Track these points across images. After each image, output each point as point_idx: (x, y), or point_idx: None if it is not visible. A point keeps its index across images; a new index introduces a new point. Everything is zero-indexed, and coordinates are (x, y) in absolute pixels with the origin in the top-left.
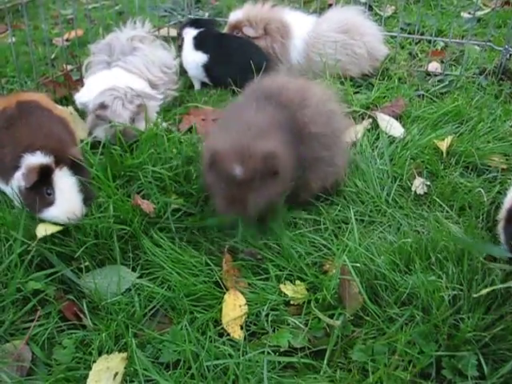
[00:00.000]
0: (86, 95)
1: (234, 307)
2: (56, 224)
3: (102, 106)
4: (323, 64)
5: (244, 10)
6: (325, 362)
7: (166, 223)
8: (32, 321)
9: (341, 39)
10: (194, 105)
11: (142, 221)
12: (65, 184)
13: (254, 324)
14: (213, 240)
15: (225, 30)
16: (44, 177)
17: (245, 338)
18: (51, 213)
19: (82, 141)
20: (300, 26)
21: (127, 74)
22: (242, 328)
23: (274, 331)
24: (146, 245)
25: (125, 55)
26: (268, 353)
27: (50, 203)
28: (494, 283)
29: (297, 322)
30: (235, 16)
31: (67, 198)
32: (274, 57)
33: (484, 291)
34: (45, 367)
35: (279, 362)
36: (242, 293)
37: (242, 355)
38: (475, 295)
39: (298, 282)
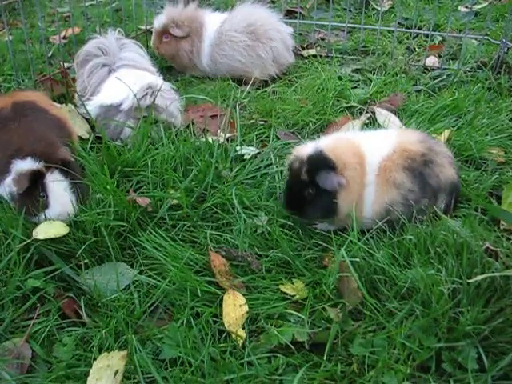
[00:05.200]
0: (111, 98)
1: (234, 307)
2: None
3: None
4: (228, 66)
5: (166, 13)
6: (325, 356)
7: (164, 219)
8: (32, 318)
9: (242, 40)
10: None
11: (141, 216)
12: (57, 187)
13: (255, 321)
14: (211, 237)
15: (152, 38)
16: (36, 182)
17: (246, 338)
18: (46, 216)
19: (82, 139)
20: (210, 27)
21: (138, 71)
22: (243, 328)
23: (274, 327)
24: (145, 241)
25: (119, 53)
26: (269, 351)
27: (45, 207)
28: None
29: (299, 315)
30: (160, 21)
31: (61, 202)
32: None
33: (480, 277)
34: (45, 365)
35: (279, 358)
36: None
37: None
38: (470, 280)
39: (295, 280)
